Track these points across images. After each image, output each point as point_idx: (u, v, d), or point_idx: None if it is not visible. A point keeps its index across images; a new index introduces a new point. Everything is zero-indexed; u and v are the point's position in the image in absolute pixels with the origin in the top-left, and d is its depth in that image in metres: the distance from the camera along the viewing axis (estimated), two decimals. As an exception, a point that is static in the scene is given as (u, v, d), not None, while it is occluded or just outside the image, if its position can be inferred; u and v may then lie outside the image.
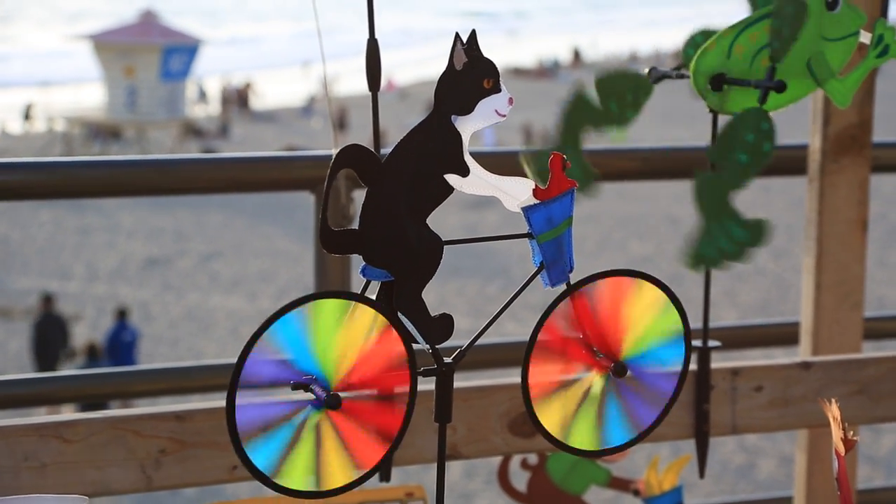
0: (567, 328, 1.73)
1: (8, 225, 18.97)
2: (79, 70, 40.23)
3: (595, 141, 2.32)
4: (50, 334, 11.85)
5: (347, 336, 1.61)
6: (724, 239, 2.22)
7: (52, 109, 32.25)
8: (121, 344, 11.50)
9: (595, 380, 1.75)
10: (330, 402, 1.60)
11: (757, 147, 2.20)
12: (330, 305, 1.60)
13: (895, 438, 9.32)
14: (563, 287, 1.71)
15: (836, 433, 1.72)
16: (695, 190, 2.23)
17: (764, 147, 2.20)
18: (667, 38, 48.13)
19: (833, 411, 1.73)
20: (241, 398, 1.56)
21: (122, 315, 11.74)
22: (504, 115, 1.64)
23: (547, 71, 46.94)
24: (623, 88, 2.19)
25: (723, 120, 2.28)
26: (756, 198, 20.35)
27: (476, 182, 1.65)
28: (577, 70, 47.62)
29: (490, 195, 1.67)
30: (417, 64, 46.15)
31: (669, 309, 1.76)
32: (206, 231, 18.90)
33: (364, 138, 1.65)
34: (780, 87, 2.20)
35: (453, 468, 8.90)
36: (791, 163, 3.21)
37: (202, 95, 37.11)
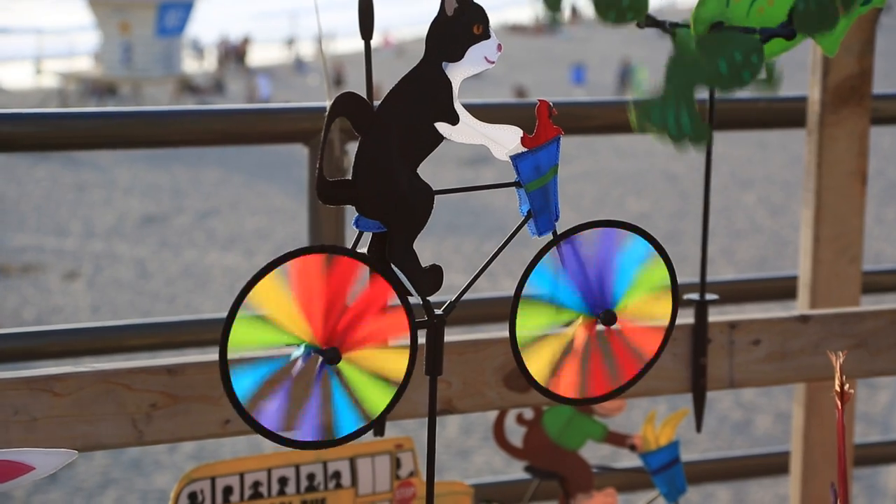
0: (554, 278, 1.72)
1: (4, 181, 18.93)
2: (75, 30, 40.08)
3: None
4: None
5: (342, 290, 1.59)
6: (672, 115, 2.15)
7: (48, 66, 32.15)
8: None
9: (584, 330, 1.75)
10: (328, 356, 1.59)
11: (738, 69, 2.16)
12: (322, 260, 1.58)
13: (889, 395, 9.34)
14: (549, 237, 1.72)
15: (837, 386, 1.71)
16: (672, 60, 2.17)
17: (744, 74, 2.16)
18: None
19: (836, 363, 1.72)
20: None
21: None
22: (493, 62, 1.64)
23: (545, 28, 46.73)
24: (729, 48, 2.14)
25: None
26: (753, 154, 20.33)
27: (465, 130, 1.64)
28: (577, 26, 47.41)
29: (479, 143, 1.66)
30: (415, 20, 46.00)
31: (657, 260, 1.77)
32: (202, 188, 18.86)
33: (361, 94, 1.63)
34: (790, 35, 2.18)
35: (450, 425, 8.91)
36: (790, 115, 3.18)
37: (198, 52, 37.00)
